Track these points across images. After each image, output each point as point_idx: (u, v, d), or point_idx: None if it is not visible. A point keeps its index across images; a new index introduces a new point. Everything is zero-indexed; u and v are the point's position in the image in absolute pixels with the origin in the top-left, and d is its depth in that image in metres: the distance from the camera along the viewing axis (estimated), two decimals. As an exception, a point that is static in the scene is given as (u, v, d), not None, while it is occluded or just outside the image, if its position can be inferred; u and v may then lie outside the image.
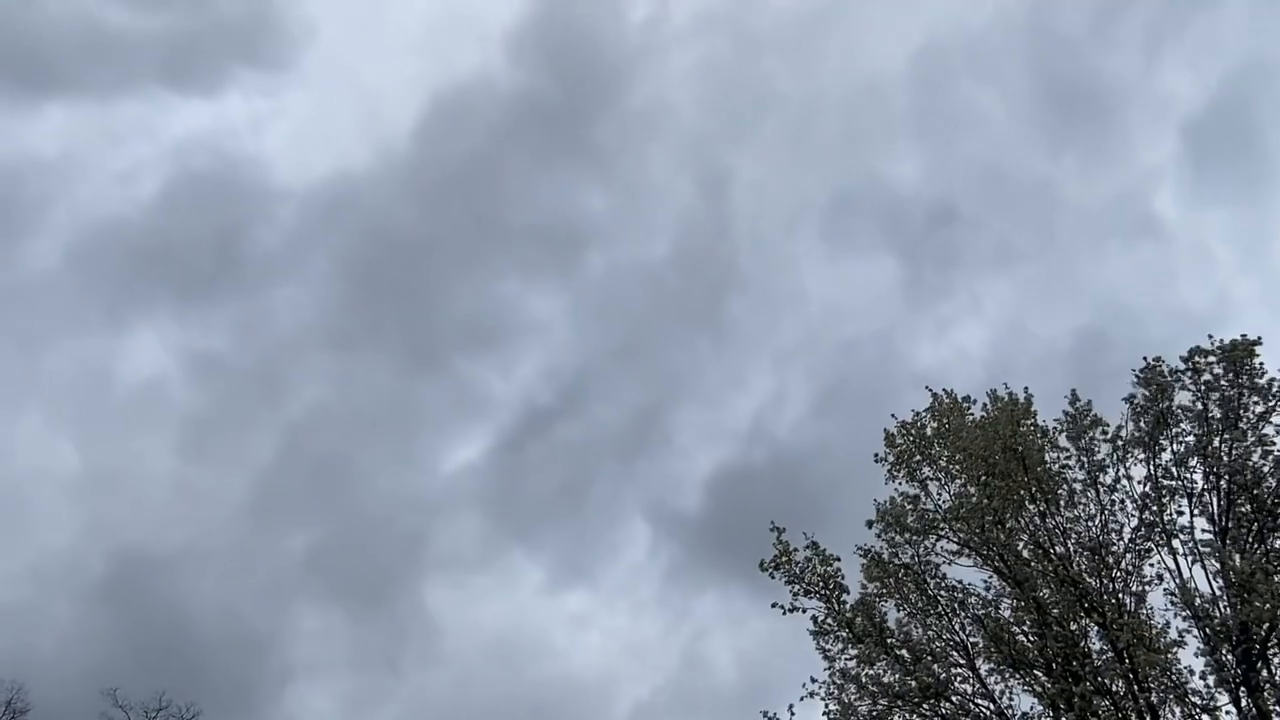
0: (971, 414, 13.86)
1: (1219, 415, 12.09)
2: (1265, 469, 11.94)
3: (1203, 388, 12.19)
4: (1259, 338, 11.88)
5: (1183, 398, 12.46)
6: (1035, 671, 12.75)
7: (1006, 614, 13.03)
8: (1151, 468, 12.95)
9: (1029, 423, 13.43)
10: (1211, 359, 12.16)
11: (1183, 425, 12.50)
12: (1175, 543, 12.63)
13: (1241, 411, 12.03)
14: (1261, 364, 11.88)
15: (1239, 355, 11.90)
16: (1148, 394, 13.05)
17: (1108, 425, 13.08)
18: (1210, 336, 12.21)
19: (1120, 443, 13.15)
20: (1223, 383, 12.12)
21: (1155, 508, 12.66)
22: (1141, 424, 13.06)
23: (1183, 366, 12.39)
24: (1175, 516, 12.59)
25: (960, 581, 13.14)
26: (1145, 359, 13.17)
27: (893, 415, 14.28)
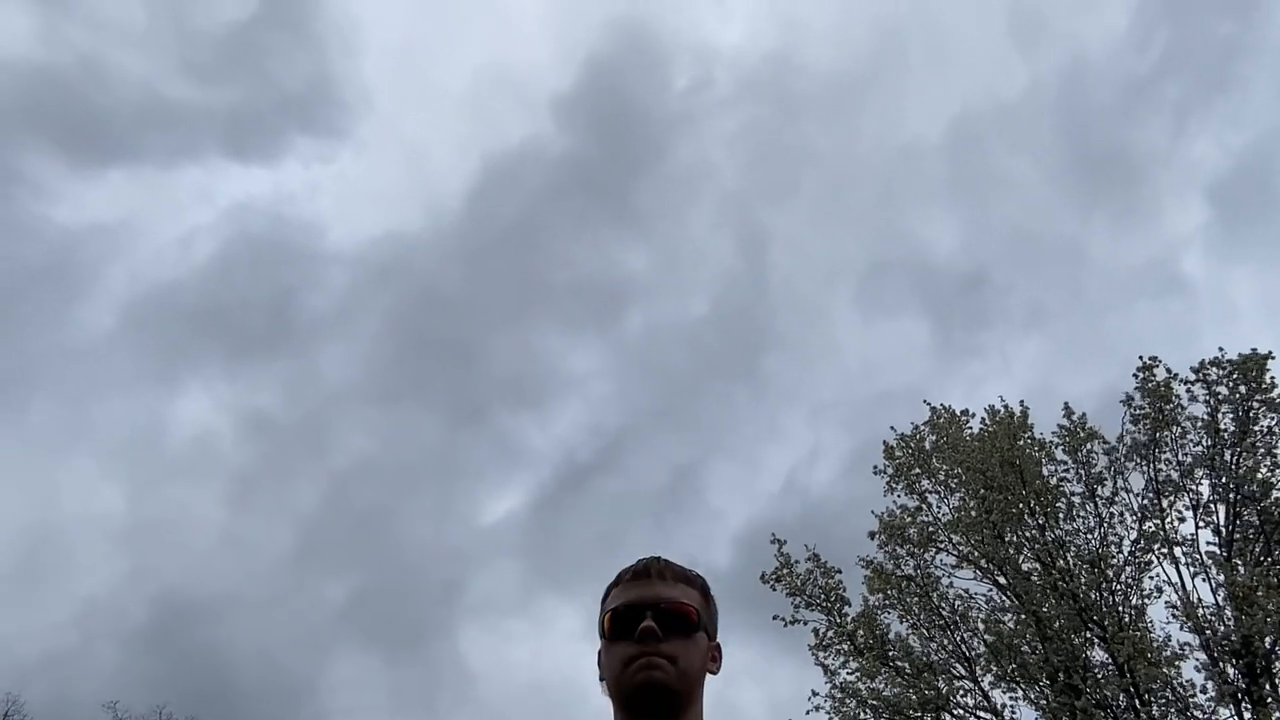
0: (970, 427, 13.66)
1: (1231, 429, 11.92)
2: (1273, 482, 11.82)
3: (1214, 399, 12.00)
4: (1270, 352, 11.68)
5: (1193, 409, 12.30)
6: (1038, 684, 12.66)
7: (1009, 626, 12.90)
8: (1152, 472, 12.81)
9: (1026, 436, 13.22)
10: (1222, 372, 11.97)
11: (1189, 436, 12.34)
12: (1178, 551, 12.54)
13: (1252, 425, 11.87)
14: (1273, 379, 11.69)
15: (1251, 369, 11.71)
16: (1146, 397, 12.87)
17: (1105, 438, 12.91)
18: (1221, 350, 12.00)
19: (1122, 448, 12.98)
20: (1235, 395, 11.93)
21: (1157, 518, 12.52)
22: (1141, 427, 12.89)
23: (1193, 378, 12.19)
24: (1177, 523, 12.49)
25: (966, 591, 13.02)
26: (1141, 358, 12.97)
27: (892, 428, 14.06)
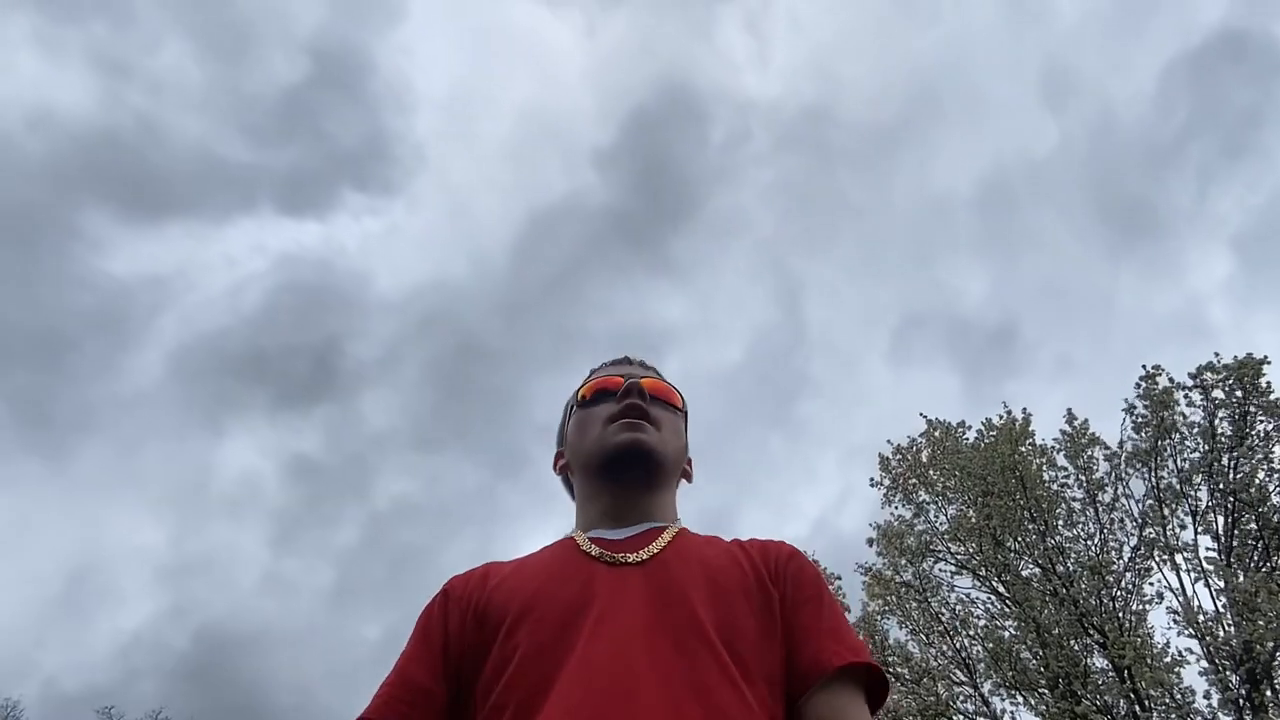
0: (966, 438, 13.68)
1: (1228, 433, 11.90)
2: (1271, 487, 11.79)
3: (1211, 404, 11.99)
4: (1266, 356, 11.67)
5: (1191, 414, 12.28)
6: (1039, 690, 12.63)
7: (1009, 633, 12.88)
8: (1154, 479, 12.78)
9: (1027, 443, 13.21)
10: (1219, 376, 11.95)
11: (1187, 441, 12.31)
12: (1179, 558, 12.50)
13: (1249, 429, 11.84)
14: (1269, 383, 11.68)
15: (1247, 373, 11.69)
16: (1148, 404, 12.87)
17: (1106, 444, 12.90)
18: (1217, 354, 11.99)
19: (1122, 455, 12.97)
20: (1231, 400, 11.91)
21: (1159, 525, 12.49)
22: (1143, 435, 12.88)
23: (1190, 383, 12.18)
24: (1179, 531, 12.46)
25: (967, 595, 13.00)
26: (1144, 367, 12.97)
27: (888, 441, 14.09)
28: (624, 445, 1.33)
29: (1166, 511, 12.52)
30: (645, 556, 1.24)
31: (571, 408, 1.48)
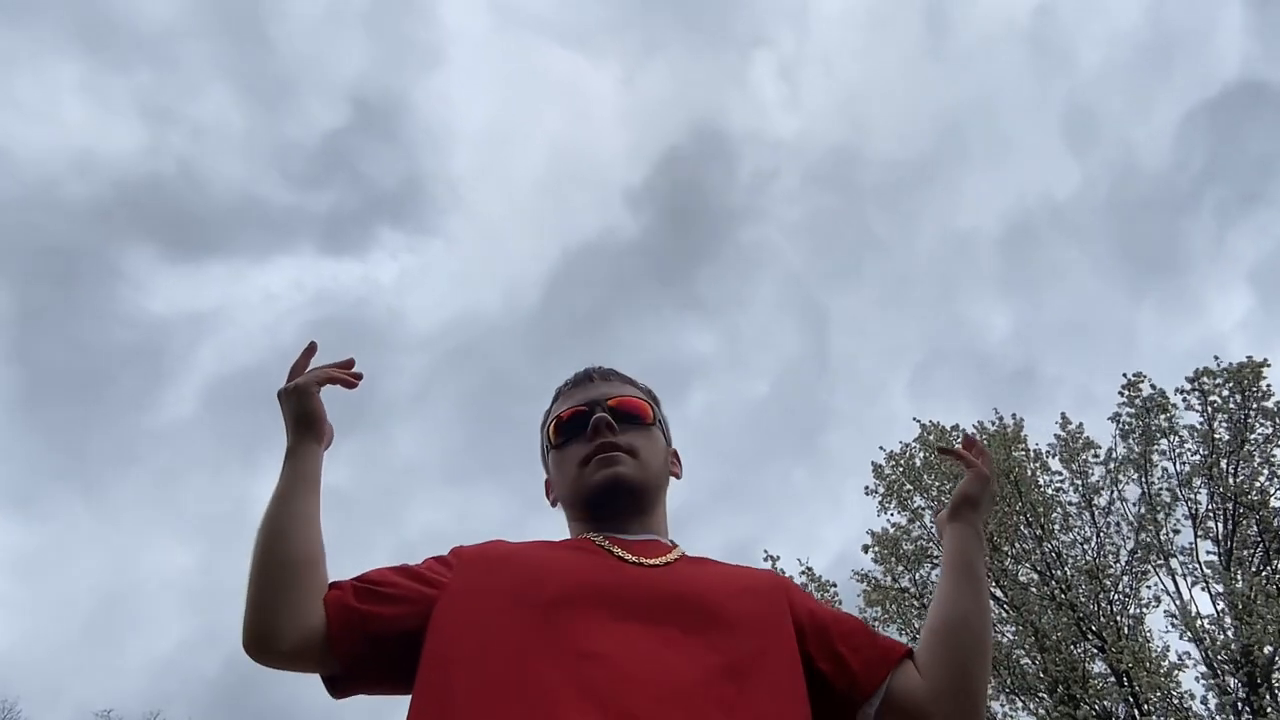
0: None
1: (1225, 437, 11.80)
2: (1272, 490, 11.70)
3: (1209, 408, 11.87)
4: (1265, 359, 11.54)
5: (1189, 418, 12.17)
6: (1038, 695, 12.59)
7: (1007, 638, 12.82)
8: (1145, 486, 12.69)
9: (1021, 448, 13.08)
10: (1218, 381, 11.82)
11: (1187, 445, 12.21)
12: (1174, 563, 12.43)
13: (1248, 433, 11.73)
14: (1269, 386, 11.56)
15: (1246, 377, 11.56)
16: (1133, 411, 12.77)
17: (1100, 448, 12.78)
18: (1216, 358, 11.87)
19: (1112, 464, 12.87)
20: (1230, 404, 11.80)
21: (1151, 528, 12.40)
22: (1130, 442, 12.78)
23: (1188, 387, 12.05)
24: (1172, 535, 12.37)
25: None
26: (1125, 375, 12.87)
27: (881, 448, 13.92)
28: (603, 484, 1.35)
29: (1160, 517, 12.42)
30: (661, 563, 1.29)
31: (546, 445, 1.50)
